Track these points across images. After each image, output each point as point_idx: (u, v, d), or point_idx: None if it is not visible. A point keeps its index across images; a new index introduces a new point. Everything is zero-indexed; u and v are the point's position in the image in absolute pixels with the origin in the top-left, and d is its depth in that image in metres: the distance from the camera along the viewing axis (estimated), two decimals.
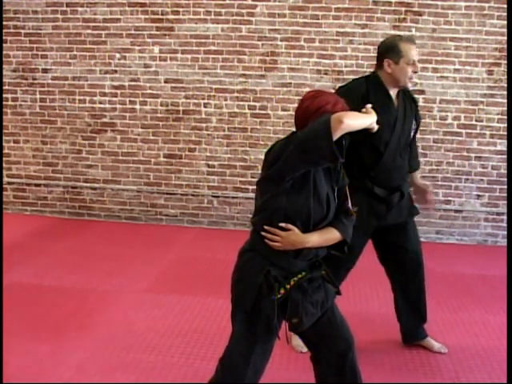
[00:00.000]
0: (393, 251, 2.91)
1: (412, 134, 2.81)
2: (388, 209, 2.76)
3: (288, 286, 1.87)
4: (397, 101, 2.72)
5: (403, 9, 4.86)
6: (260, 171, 1.97)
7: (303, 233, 1.87)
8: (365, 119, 1.84)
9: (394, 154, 2.72)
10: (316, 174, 1.89)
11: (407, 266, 2.91)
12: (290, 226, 1.85)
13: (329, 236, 1.90)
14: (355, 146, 2.59)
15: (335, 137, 1.71)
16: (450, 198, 5.13)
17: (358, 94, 2.61)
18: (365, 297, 3.73)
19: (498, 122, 4.97)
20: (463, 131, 5.00)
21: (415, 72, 2.65)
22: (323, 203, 1.89)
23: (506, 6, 4.73)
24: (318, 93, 1.93)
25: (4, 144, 5.58)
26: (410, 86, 2.73)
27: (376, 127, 1.89)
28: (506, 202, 5.05)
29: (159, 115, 5.30)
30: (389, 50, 2.65)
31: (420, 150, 4.94)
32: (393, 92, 2.70)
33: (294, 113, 1.99)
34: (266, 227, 1.88)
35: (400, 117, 2.71)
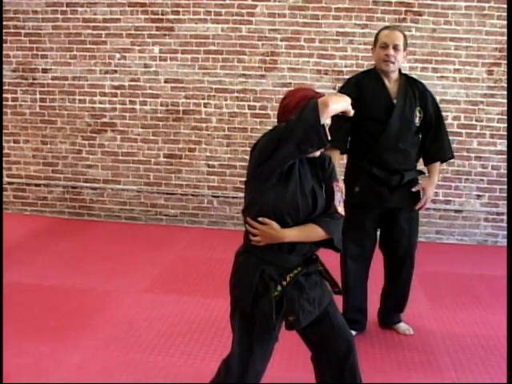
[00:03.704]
0: (388, 238, 3.09)
1: (417, 121, 2.92)
2: (390, 190, 2.90)
3: (284, 283, 1.87)
4: (395, 88, 2.90)
5: (403, 9, 4.86)
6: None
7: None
8: (344, 102, 1.86)
9: (393, 139, 2.87)
10: (301, 167, 1.89)
11: (397, 256, 3.10)
12: (267, 220, 1.83)
13: (309, 232, 1.87)
14: (357, 128, 2.89)
15: (323, 121, 1.73)
16: (449, 198, 5.13)
17: (354, 80, 2.99)
18: None
19: (497, 122, 4.97)
20: (463, 131, 5.00)
21: (387, 55, 2.80)
22: (308, 197, 1.88)
23: (506, 6, 4.73)
24: (296, 90, 1.94)
25: (4, 144, 5.58)
26: (391, 69, 2.86)
27: (351, 111, 1.92)
28: (506, 202, 5.05)
29: (159, 115, 5.30)
30: (374, 38, 2.93)
31: None
32: (388, 79, 2.89)
33: None
34: (247, 219, 1.88)
35: (399, 103, 2.87)
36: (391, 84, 2.90)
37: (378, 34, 2.90)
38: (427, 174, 3.09)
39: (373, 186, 2.90)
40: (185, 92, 5.22)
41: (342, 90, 2.91)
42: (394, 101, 2.87)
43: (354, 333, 2.89)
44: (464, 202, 5.14)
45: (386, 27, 2.95)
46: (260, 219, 1.84)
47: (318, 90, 1.95)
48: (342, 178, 2.93)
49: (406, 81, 2.95)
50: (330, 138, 1.78)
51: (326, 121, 1.81)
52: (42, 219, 5.49)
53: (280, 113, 1.92)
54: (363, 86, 2.90)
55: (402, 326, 3.23)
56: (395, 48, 2.80)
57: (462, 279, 4.20)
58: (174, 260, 4.43)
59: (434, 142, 3.00)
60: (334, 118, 2.77)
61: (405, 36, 2.88)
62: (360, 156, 2.94)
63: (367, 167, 2.89)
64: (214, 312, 3.41)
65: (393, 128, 2.86)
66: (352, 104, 2.73)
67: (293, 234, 1.85)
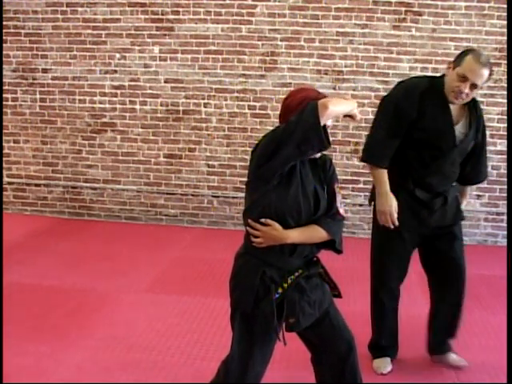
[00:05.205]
0: (435, 259, 2.78)
1: (469, 148, 2.65)
2: (430, 213, 2.64)
3: (285, 285, 1.87)
4: (457, 111, 2.56)
5: (403, 9, 4.86)
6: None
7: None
8: (347, 105, 1.81)
9: (446, 167, 2.61)
10: (302, 168, 1.88)
11: (448, 276, 2.78)
12: (269, 221, 1.83)
13: (312, 233, 1.87)
14: (406, 148, 2.58)
15: (322, 122, 1.71)
16: None
17: (418, 92, 2.52)
18: (365, 297, 3.72)
19: (497, 122, 4.97)
20: None
21: (460, 91, 2.41)
22: (310, 199, 1.87)
23: (506, 6, 4.73)
24: (299, 90, 1.93)
25: (4, 144, 5.58)
26: (456, 103, 2.51)
27: (358, 116, 1.87)
28: (506, 202, 5.04)
29: (159, 115, 5.30)
30: (459, 55, 2.49)
31: None
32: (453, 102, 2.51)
33: None
34: (249, 221, 1.88)
35: (468, 136, 2.58)
36: (454, 106, 2.54)
37: (464, 56, 2.43)
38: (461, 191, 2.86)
39: (412, 205, 2.63)
40: (185, 92, 5.22)
41: (403, 102, 2.53)
42: (455, 127, 2.54)
43: (389, 360, 2.81)
44: None
45: (477, 57, 2.40)
46: (262, 220, 1.84)
47: (319, 91, 1.95)
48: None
49: (469, 106, 2.59)
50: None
51: (328, 123, 1.80)
52: (42, 219, 5.49)
53: (281, 112, 1.92)
54: (425, 104, 2.50)
55: (453, 356, 2.86)
56: (473, 86, 2.41)
57: None
58: (174, 260, 4.43)
59: (476, 167, 2.76)
60: (381, 133, 2.56)
61: (490, 74, 2.44)
62: (403, 175, 2.63)
63: (411, 187, 2.62)
64: (214, 312, 3.41)
65: (450, 158, 2.59)
66: (401, 119, 2.52)
67: (295, 235, 1.85)
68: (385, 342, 2.87)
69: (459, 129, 2.56)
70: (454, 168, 2.64)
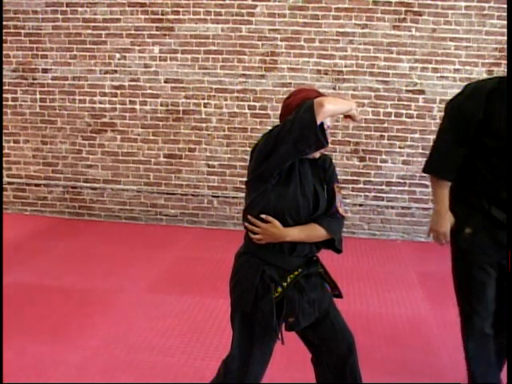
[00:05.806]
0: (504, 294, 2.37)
1: None
2: (509, 237, 2.26)
3: (285, 284, 1.87)
4: None
5: (403, 9, 4.86)
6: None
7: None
8: (345, 105, 1.80)
9: None
10: (301, 168, 1.89)
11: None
12: (270, 218, 1.84)
13: (311, 232, 1.87)
14: (476, 157, 2.29)
15: (319, 121, 1.70)
16: None
17: (485, 90, 2.20)
18: (365, 297, 3.73)
19: None
20: None
21: None
22: (309, 198, 1.88)
23: (506, 6, 4.73)
24: (300, 90, 1.94)
25: (4, 144, 5.58)
26: None
27: (358, 116, 1.85)
28: None
29: (159, 115, 5.30)
30: None
31: (420, 150, 4.98)
32: None
33: None
34: (248, 217, 1.88)
35: None
36: None
37: None
38: None
39: (489, 227, 2.28)
40: (185, 92, 5.22)
41: (468, 103, 2.25)
42: None
43: None
44: None
45: None
46: (263, 216, 1.85)
47: (320, 91, 1.95)
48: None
49: None
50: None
51: (328, 123, 1.80)
52: (42, 219, 5.49)
53: (282, 112, 1.92)
54: (494, 104, 2.18)
55: None
56: None
57: None
58: (174, 260, 4.43)
59: None
60: (446, 141, 2.26)
61: None
62: (475, 191, 2.30)
63: (486, 206, 2.26)
64: (214, 312, 3.41)
65: None
66: (467, 121, 2.19)
67: (294, 233, 1.85)
68: None
69: None
70: None
